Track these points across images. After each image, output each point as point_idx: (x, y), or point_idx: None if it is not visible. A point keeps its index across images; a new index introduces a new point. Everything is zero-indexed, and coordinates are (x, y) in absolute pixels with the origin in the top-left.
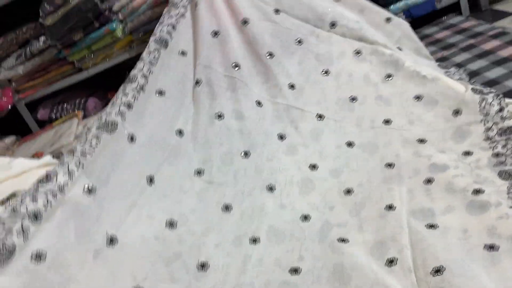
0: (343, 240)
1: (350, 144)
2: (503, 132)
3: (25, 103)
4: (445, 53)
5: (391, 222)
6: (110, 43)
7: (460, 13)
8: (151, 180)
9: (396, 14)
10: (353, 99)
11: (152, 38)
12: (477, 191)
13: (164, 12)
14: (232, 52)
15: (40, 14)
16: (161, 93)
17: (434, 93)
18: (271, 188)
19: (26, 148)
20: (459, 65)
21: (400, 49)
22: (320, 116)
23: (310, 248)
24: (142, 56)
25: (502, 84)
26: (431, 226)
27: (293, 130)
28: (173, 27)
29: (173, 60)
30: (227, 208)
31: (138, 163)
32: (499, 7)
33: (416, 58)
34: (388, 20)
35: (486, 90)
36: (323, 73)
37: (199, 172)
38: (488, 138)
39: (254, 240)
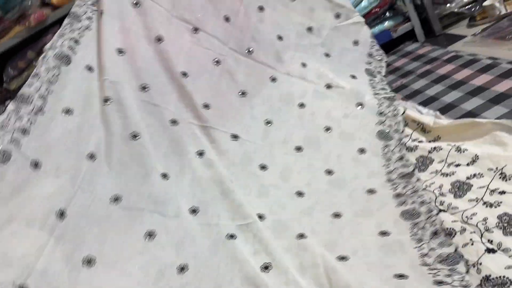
0: None
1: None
2: (403, 176)
3: None
4: (404, 80)
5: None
6: None
7: (416, 40)
8: (62, 214)
9: None
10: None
11: (50, 53)
12: (383, 233)
13: (64, 23)
14: (140, 72)
15: (4, 79)
16: (68, 111)
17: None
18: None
19: None
20: (417, 92)
21: None
22: (234, 136)
23: None
24: (37, 71)
25: (458, 107)
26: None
27: (210, 149)
28: (76, 42)
29: (79, 76)
30: (150, 235)
31: (45, 195)
32: (452, 31)
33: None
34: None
35: (392, 131)
36: (240, 94)
37: (116, 199)
38: (389, 180)
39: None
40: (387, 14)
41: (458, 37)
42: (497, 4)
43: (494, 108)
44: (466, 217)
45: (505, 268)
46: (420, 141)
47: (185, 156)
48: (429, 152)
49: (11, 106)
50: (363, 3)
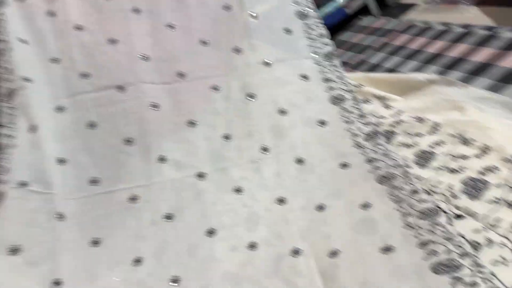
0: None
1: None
2: (369, 136)
3: None
4: (362, 56)
5: None
6: None
7: (371, 14)
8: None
9: None
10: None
11: None
12: (365, 206)
13: None
14: None
15: None
16: None
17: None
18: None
19: None
20: (376, 65)
21: None
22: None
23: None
24: None
25: None
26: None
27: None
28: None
29: None
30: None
31: None
32: (405, 0)
33: None
34: None
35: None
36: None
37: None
38: (358, 145)
39: None
40: None
41: (410, 6)
42: None
43: (450, 74)
44: (432, 185)
45: (472, 232)
46: (383, 117)
47: None
48: (392, 126)
49: None
50: None
